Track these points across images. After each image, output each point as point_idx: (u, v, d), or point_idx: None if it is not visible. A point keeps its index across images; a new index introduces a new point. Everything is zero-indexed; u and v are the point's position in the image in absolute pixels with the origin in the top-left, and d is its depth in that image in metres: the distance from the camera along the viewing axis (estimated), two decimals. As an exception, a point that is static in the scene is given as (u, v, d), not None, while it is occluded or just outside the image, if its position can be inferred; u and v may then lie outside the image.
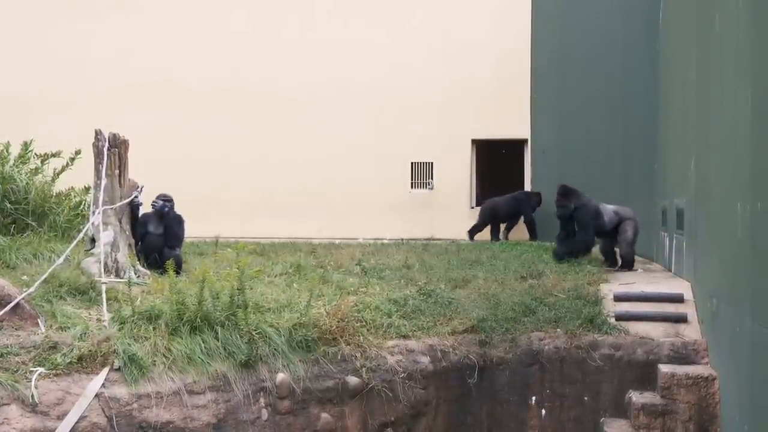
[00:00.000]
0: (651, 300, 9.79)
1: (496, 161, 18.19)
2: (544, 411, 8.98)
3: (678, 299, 9.74)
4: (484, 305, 9.62)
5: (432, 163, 17.15)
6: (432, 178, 17.09)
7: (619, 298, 9.88)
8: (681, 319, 9.36)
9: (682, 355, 8.87)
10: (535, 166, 16.85)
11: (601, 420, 8.82)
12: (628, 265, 11.98)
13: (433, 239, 15.38)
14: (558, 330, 9.20)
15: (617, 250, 12.25)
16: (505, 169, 18.24)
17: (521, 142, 17.12)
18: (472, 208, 16.95)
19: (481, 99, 16.75)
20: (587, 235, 12.06)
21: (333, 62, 17.27)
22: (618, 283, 10.64)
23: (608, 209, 12.19)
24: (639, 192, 14.20)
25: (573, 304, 9.68)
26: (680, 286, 10.18)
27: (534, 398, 9.01)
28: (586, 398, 8.96)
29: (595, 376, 8.93)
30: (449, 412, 8.83)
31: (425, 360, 8.68)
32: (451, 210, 16.63)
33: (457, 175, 17.01)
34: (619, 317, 9.43)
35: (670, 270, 11.69)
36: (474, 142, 17.15)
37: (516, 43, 16.70)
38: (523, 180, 17.23)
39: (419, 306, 9.58)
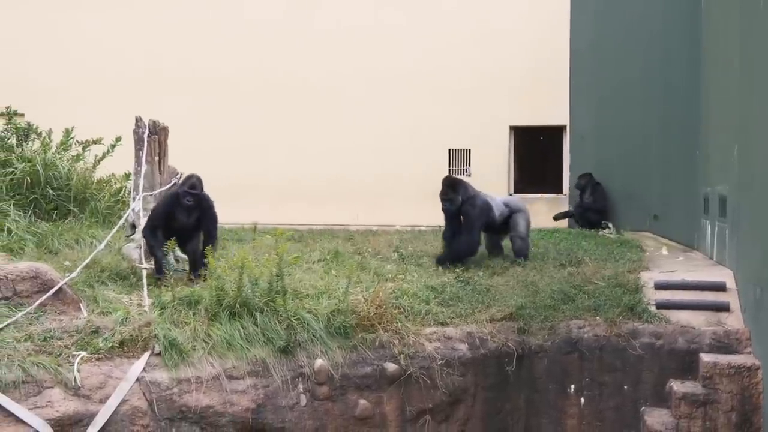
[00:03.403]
0: (692, 288, 9.65)
1: (533, 147, 18.08)
2: (583, 399, 8.91)
3: (720, 288, 9.61)
4: (522, 293, 9.55)
5: (470, 149, 17.10)
6: (470, 165, 17.05)
7: (659, 287, 9.76)
8: (723, 308, 9.23)
9: (725, 344, 8.75)
10: (573, 152, 16.73)
11: (642, 409, 8.73)
12: (523, 256, 11.21)
13: (471, 226, 15.30)
14: (597, 318, 9.10)
15: (508, 243, 11.62)
16: (543, 156, 18.13)
17: (559, 129, 17.01)
18: (510, 194, 16.87)
19: (519, 85, 16.66)
20: (474, 235, 10.95)
21: (368, 49, 17.25)
22: (659, 271, 10.53)
23: (498, 201, 11.48)
24: (679, 178, 14.05)
25: (613, 292, 9.57)
26: (722, 275, 10.05)
27: (573, 386, 8.94)
28: (626, 387, 8.86)
29: (636, 365, 8.83)
30: (487, 399, 8.78)
31: (463, 347, 8.64)
32: (489, 197, 16.60)
33: (495, 162, 16.94)
34: (660, 305, 9.32)
35: (711, 258, 11.55)
36: (512, 128, 17.06)
37: (554, 26, 16.58)
38: (561, 167, 17.12)
39: (457, 293, 9.54)
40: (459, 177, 11.32)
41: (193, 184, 9.14)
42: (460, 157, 17.13)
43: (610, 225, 15.23)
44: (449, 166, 17.07)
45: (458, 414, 8.63)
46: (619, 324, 9.00)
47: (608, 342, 8.91)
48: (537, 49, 16.61)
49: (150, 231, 9.09)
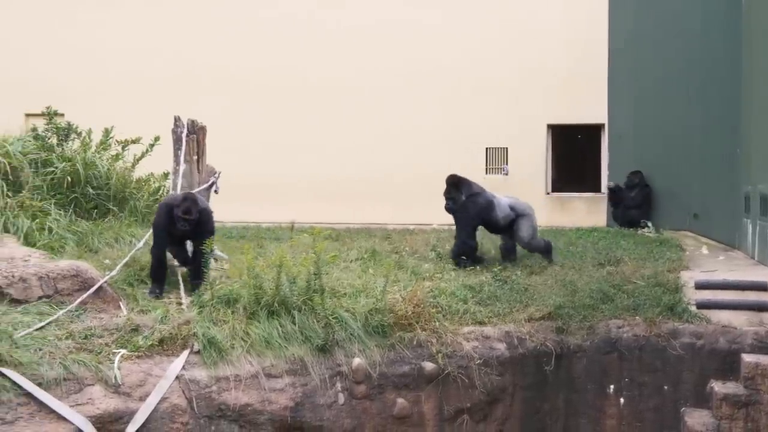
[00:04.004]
0: (733, 288, 9.55)
1: (570, 146, 17.96)
2: (622, 399, 8.84)
3: (762, 287, 9.49)
4: (560, 292, 9.50)
5: (507, 148, 17.04)
6: (507, 164, 16.98)
7: (700, 286, 9.67)
8: (765, 308, 9.11)
9: (767, 344, 8.64)
10: (611, 151, 16.61)
11: (682, 410, 8.65)
12: (540, 251, 11.11)
13: (508, 225, 15.24)
14: (637, 318, 9.03)
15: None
16: (580, 155, 18.01)
17: (597, 127, 16.88)
18: (548, 194, 16.80)
19: (557, 83, 16.56)
20: (463, 235, 10.86)
21: (403, 47, 17.24)
22: (699, 271, 10.43)
23: (504, 204, 11.07)
24: (719, 177, 13.90)
25: (652, 292, 9.50)
26: (764, 274, 9.94)
27: (612, 386, 8.87)
28: (666, 387, 8.78)
29: (676, 365, 8.75)
30: (525, 399, 8.74)
31: (501, 347, 8.60)
32: (527, 196, 16.17)
33: (533, 161, 16.87)
34: (701, 305, 9.22)
35: (753, 258, 11.41)
36: (550, 127, 16.97)
37: (592, 24, 16.49)
38: (599, 166, 17.00)
39: (495, 292, 9.50)
40: (463, 176, 11.15)
41: (188, 208, 8.54)
42: (497, 156, 17.07)
43: (650, 224, 15.12)
44: (486, 165, 17.03)
45: (496, 413, 8.60)
46: (658, 324, 8.93)
47: (648, 342, 8.84)
48: (575, 46, 16.51)
49: (159, 248, 8.69)
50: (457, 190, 10.92)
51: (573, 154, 17.99)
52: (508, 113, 16.78)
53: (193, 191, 10.06)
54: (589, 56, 16.45)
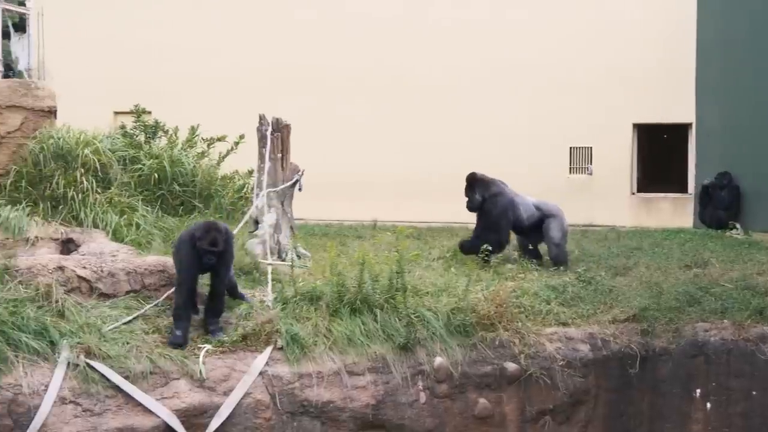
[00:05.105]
0: (826, 292, 9.28)
1: (656, 146, 17.66)
2: (709, 404, 8.64)
3: None
4: (646, 294, 9.32)
5: (591, 147, 16.82)
6: (591, 163, 16.76)
7: (791, 290, 9.43)
8: None
9: None
10: (699, 151, 16.26)
11: (771, 416, 8.46)
12: (562, 264, 10.58)
13: (593, 226, 15.05)
14: (725, 321, 8.83)
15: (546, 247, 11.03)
16: (666, 154, 17.68)
17: (685, 126, 16.57)
18: (633, 194, 16.54)
19: (643, 81, 16.29)
20: (497, 235, 10.64)
21: (486, 44, 17.12)
22: (790, 274, 10.17)
23: (528, 203, 10.91)
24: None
25: (741, 295, 9.28)
26: None
27: (698, 391, 8.67)
28: (754, 393, 8.56)
29: (765, 370, 8.51)
30: (609, 401, 8.60)
31: (585, 348, 8.49)
32: (611, 196, 16.27)
33: (618, 161, 16.62)
34: (791, 309, 9.00)
35: None
36: (635, 126, 16.70)
37: (680, 20, 16.22)
38: (686, 166, 16.67)
39: (578, 293, 9.38)
40: (481, 175, 10.97)
41: (214, 240, 7.49)
42: (580, 156, 16.86)
43: (738, 226, 14.75)
44: (570, 165, 16.84)
45: (579, 416, 8.49)
46: (747, 328, 8.72)
47: (736, 346, 8.63)
48: (662, 43, 16.23)
49: (186, 294, 7.56)
50: (471, 189, 10.87)
51: (659, 153, 17.68)
52: (592, 112, 16.55)
53: (277, 188, 10.19)
54: (676, 55, 16.15)
